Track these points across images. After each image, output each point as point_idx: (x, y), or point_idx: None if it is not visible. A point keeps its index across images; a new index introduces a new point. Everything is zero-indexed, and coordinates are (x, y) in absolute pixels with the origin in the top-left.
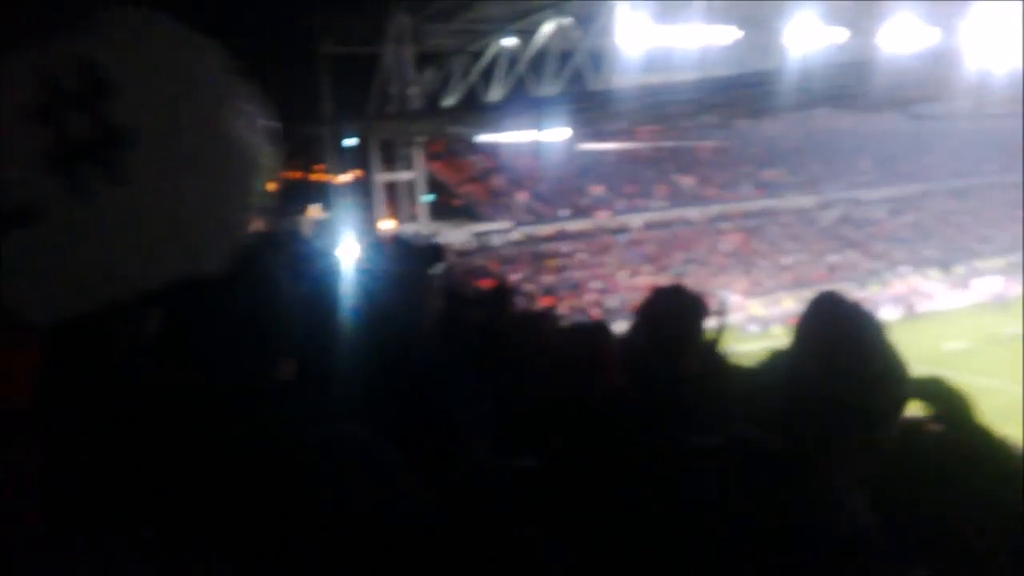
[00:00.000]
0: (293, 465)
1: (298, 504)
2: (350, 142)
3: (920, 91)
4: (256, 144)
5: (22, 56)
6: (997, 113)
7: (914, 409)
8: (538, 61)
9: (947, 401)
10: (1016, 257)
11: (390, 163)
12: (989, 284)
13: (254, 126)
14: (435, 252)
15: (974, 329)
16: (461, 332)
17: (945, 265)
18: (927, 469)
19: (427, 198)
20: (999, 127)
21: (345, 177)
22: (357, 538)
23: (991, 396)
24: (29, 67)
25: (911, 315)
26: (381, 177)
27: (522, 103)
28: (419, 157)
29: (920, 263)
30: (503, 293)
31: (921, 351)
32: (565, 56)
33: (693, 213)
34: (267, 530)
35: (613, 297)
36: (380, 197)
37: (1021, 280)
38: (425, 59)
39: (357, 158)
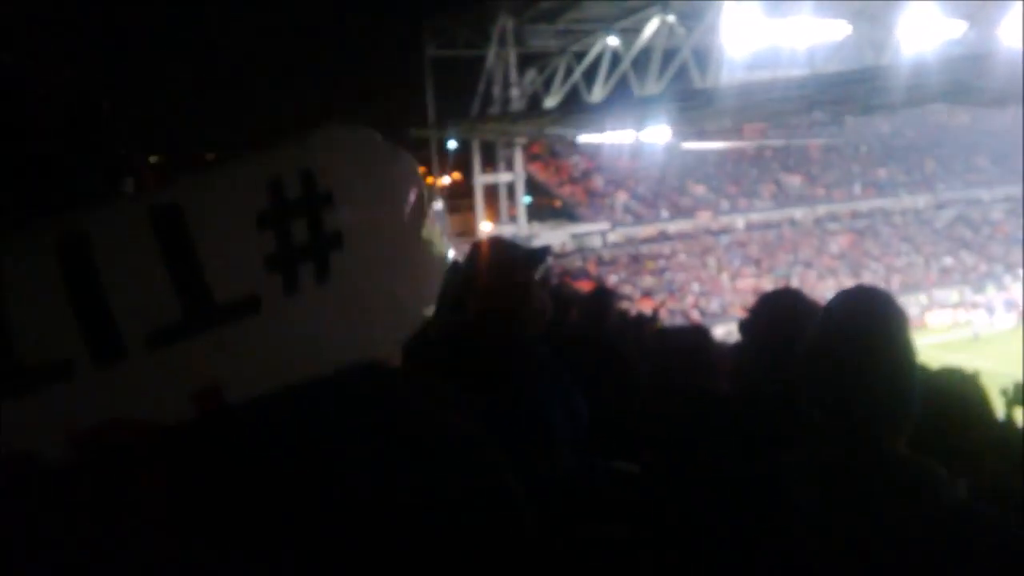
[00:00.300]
0: None
1: None
2: (452, 144)
3: None
4: (440, 245)
5: (253, 165)
6: None
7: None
8: (642, 60)
9: (958, 393)
10: None
11: (491, 165)
12: None
13: (439, 228)
14: (541, 255)
15: None
16: (563, 334)
17: None
18: None
19: (526, 199)
20: None
21: (447, 179)
22: None
23: None
24: (259, 176)
25: None
26: (482, 179)
27: (624, 103)
28: (519, 159)
29: None
30: (605, 295)
31: None
32: (669, 54)
33: (799, 213)
34: None
35: (714, 300)
36: (480, 199)
37: None
38: (527, 60)
39: (459, 160)
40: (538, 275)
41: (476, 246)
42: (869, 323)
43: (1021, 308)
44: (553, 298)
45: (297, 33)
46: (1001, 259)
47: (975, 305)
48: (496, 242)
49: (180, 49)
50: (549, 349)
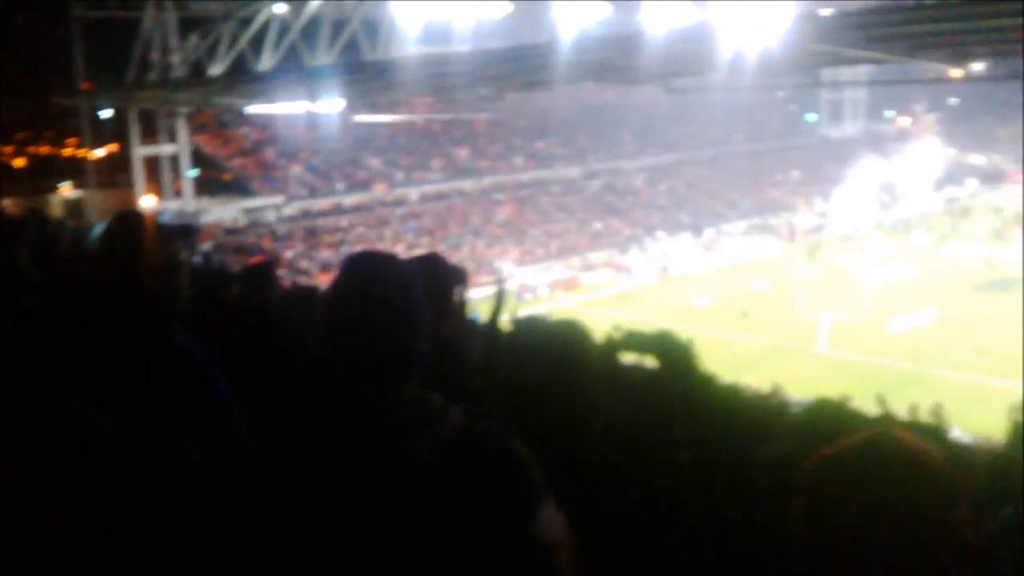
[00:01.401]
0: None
1: None
2: (106, 114)
3: (676, 65)
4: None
5: None
6: (744, 86)
7: (648, 361)
8: (311, 29)
9: (673, 353)
10: (757, 220)
11: (152, 136)
12: (734, 245)
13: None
14: (184, 231)
15: (720, 287)
16: (223, 309)
17: (697, 229)
18: (649, 409)
19: (192, 173)
20: (745, 99)
21: (101, 151)
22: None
23: (731, 347)
24: None
25: (667, 276)
26: (141, 151)
27: (294, 73)
28: (183, 129)
29: (675, 228)
30: (264, 269)
31: (675, 308)
32: (339, 25)
33: (468, 185)
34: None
35: None
36: (140, 172)
37: (761, 241)
38: (189, 25)
39: (115, 131)
40: (181, 252)
41: (113, 220)
42: (372, 284)
43: (659, 267)
44: (217, 274)
45: None
46: (642, 223)
47: (621, 266)
48: (131, 216)
49: None
50: (191, 328)
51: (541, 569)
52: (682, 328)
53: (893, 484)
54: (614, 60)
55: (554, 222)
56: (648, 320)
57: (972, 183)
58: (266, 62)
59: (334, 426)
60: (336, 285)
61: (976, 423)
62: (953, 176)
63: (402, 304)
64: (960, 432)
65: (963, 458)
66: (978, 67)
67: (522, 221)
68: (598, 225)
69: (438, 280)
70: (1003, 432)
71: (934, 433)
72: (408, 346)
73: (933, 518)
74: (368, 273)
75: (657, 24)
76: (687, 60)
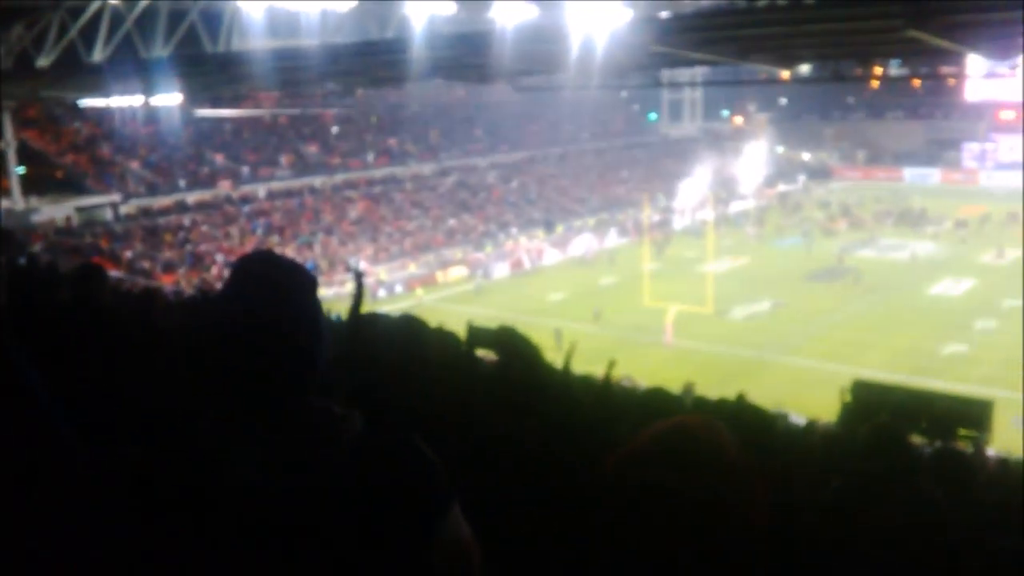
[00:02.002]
0: None
1: None
2: None
3: (525, 64)
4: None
5: None
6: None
7: (490, 355)
8: (147, 21)
9: (517, 347)
10: (605, 216)
11: None
12: (583, 241)
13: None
14: None
15: (572, 282)
16: (49, 313)
17: (549, 226)
18: (495, 400)
19: (18, 170)
20: (591, 99)
21: None
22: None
23: (585, 339)
24: None
25: (521, 272)
26: None
27: (129, 65)
28: (8, 124)
29: (527, 224)
30: (91, 271)
31: (529, 303)
32: (176, 17)
33: (318, 181)
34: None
35: None
36: None
37: (608, 236)
38: (12, 14)
39: None
40: None
41: None
42: (268, 290)
43: (512, 261)
44: (45, 276)
45: None
46: (496, 220)
47: (476, 262)
48: None
49: None
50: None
51: (452, 569)
52: (538, 322)
53: (685, 474)
54: (464, 58)
55: (408, 219)
56: (504, 316)
57: (801, 179)
58: (99, 54)
59: (228, 433)
60: (232, 287)
61: (811, 405)
62: (784, 173)
63: (303, 308)
64: (796, 414)
65: (798, 438)
66: (805, 69)
67: (375, 218)
68: (452, 222)
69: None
70: (834, 413)
71: (762, 416)
72: (309, 351)
73: (726, 504)
74: (265, 275)
75: (506, 23)
76: (535, 59)
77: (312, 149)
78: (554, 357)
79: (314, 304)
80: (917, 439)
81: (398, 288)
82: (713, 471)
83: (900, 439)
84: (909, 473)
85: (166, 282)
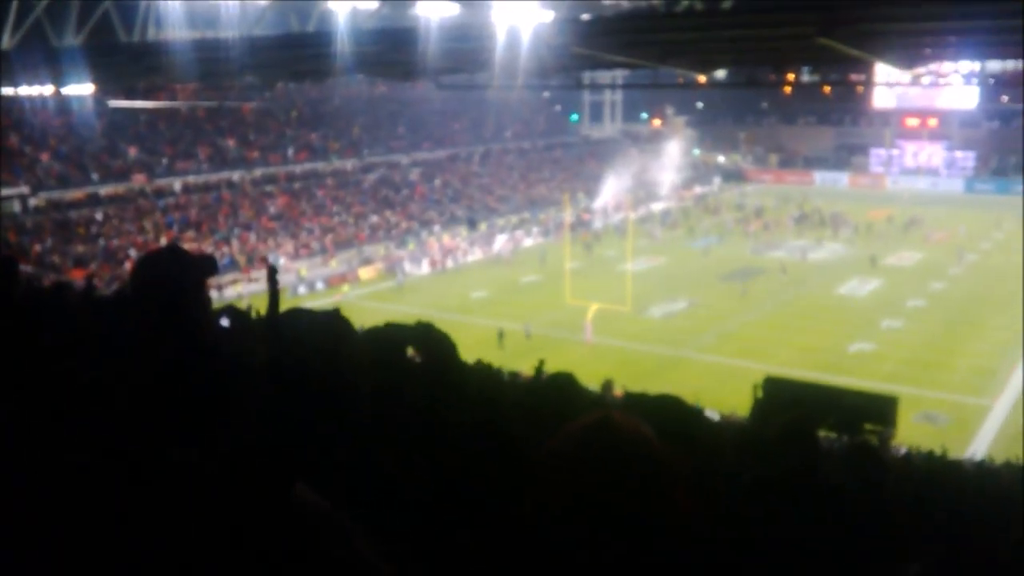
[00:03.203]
0: None
1: None
2: None
3: (448, 62)
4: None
5: None
6: (510, 85)
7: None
8: (58, 8)
9: (435, 344)
10: (527, 215)
11: None
12: (506, 239)
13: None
14: None
15: (494, 280)
16: None
17: (471, 223)
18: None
19: None
20: (514, 99)
21: None
22: None
23: (505, 336)
24: None
25: (444, 269)
26: None
27: (38, 54)
28: None
29: (450, 222)
30: (6, 263)
31: (453, 301)
32: (89, 5)
33: (236, 176)
34: None
35: None
36: None
37: (530, 235)
38: None
39: None
40: None
41: None
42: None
43: (434, 259)
44: None
45: None
46: (418, 216)
47: (398, 259)
48: None
49: None
50: None
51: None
52: (461, 320)
53: (611, 470)
54: (388, 54)
55: (330, 215)
56: (427, 313)
57: (717, 181)
58: (7, 41)
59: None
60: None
61: (724, 400)
62: (700, 175)
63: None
64: (710, 410)
65: (713, 433)
66: (721, 74)
67: (295, 213)
68: (374, 219)
69: (183, 272)
70: (746, 408)
71: (685, 410)
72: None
73: (652, 500)
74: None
75: (430, 20)
76: (459, 58)
77: (230, 143)
78: (496, 356)
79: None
80: (826, 433)
81: (319, 285)
82: (641, 467)
83: (809, 434)
84: (817, 467)
85: (76, 277)
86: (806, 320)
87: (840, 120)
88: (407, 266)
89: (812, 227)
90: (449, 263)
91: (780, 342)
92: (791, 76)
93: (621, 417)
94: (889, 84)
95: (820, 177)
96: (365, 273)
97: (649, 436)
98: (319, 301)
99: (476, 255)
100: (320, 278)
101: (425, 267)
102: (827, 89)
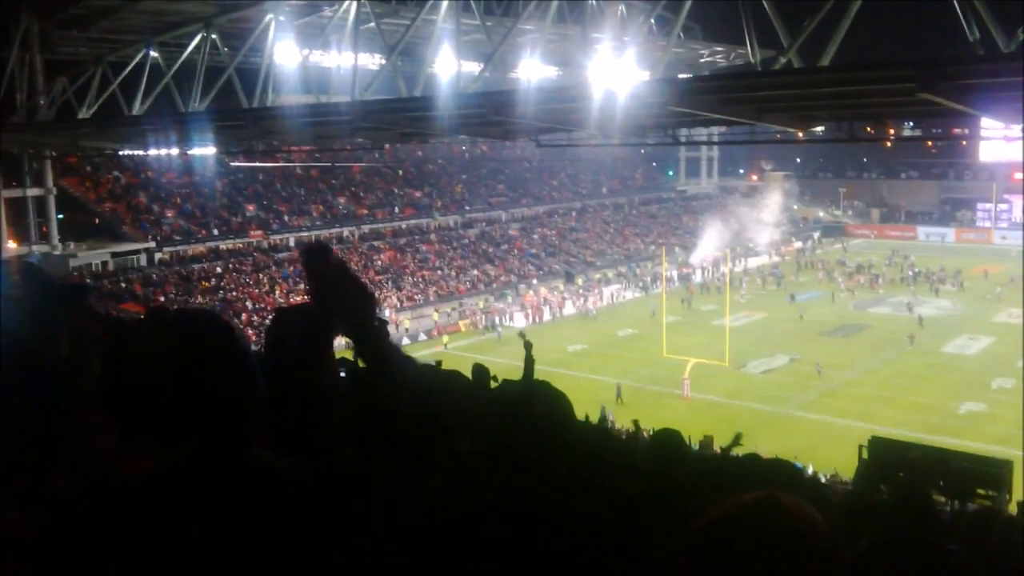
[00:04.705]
0: None
1: None
2: None
3: (546, 122)
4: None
5: None
6: (607, 143)
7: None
8: (185, 76)
9: (552, 400)
10: (623, 269)
11: (16, 178)
12: (603, 293)
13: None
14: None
15: (592, 332)
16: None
17: (568, 277)
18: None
19: (58, 216)
20: (610, 155)
21: None
22: None
23: (604, 388)
24: None
25: (541, 322)
26: (5, 193)
27: (167, 118)
28: (49, 172)
29: (547, 276)
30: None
31: (550, 354)
32: (214, 72)
33: (347, 231)
34: None
35: (269, 317)
36: (2, 215)
37: (627, 289)
38: (56, 67)
39: None
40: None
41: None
42: (189, 347)
43: (532, 311)
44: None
45: None
46: (516, 270)
47: (497, 311)
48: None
49: None
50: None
51: None
52: (560, 372)
53: (778, 550)
54: (487, 115)
55: (432, 269)
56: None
57: (816, 236)
58: (138, 107)
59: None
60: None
61: (826, 460)
62: (799, 230)
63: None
64: (812, 468)
65: (823, 496)
66: (819, 129)
67: (400, 267)
68: (475, 272)
69: (320, 326)
70: (851, 469)
71: (789, 469)
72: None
73: None
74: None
75: (529, 82)
76: (556, 117)
77: (341, 200)
78: (617, 412)
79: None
80: (935, 498)
81: (422, 336)
82: (806, 550)
83: (925, 498)
84: (936, 533)
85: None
86: (912, 378)
87: (944, 174)
88: (505, 318)
89: (916, 283)
90: (547, 316)
91: (884, 401)
92: (892, 130)
93: (788, 498)
94: (996, 138)
95: (924, 232)
96: (465, 324)
97: (818, 519)
98: (420, 352)
99: (573, 308)
100: (422, 329)
101: (522, 319)
102: (930, 143)
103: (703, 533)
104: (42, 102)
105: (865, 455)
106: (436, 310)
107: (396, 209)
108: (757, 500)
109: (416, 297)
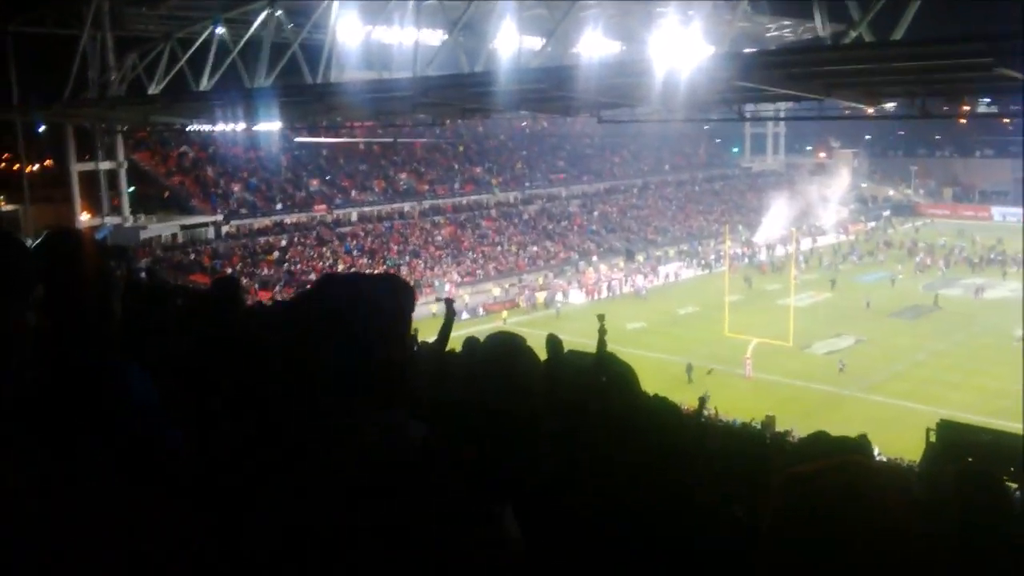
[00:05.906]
0: None
1: None
2: (43, 129)
3: (608, 97)
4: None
5: None
6: (670, 119)
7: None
8: (251, 52)
9: (618, 373)
10: (685, 247)
11: (88, 152)
12: (664, 271)
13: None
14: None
15: (652, 310)
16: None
17: (628, 254)
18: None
19: (129, 189)
20: (673, 131)
21: (36, 166)
22: None
23: (664, 367)
24: None
25: (600, 299)
26: (78, 167)
27: (233, 94)
28: (120, 146)
29: (607, 253)
30: (232, 284)
31: (609, 332)
32: (279, 48)
33: (408, 207)
34: None
35: None
36: (77, 188)
37: (689, 266)
38: (127, 44)
39: (51, 146)
40: (116, 271)
41: (47, 236)
42: (346, 304)
43: (590, 288)
44: (156, 292)
45: None
46: (576, 247)
47: (557, 287)
48: (66, 233)
49: None
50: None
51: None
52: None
53: (862, 503)
54: (550, 91)
55: (492, 244)
56: (585, 342)
57: (886, 215)
58: (205, 82)
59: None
60: (310, 303)
61: (891, 443)
62: (868, 209)
63: (377, 324)
64: (878, 452)
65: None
66: (890, 105)
67: (461, 243)
68: (534, 248)
69: (400, 303)
70: (916, 452)
71: (862, 444)
72: (378, 363)
73: (893, 548)
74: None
75: (591, 57)
76: (619, 93)
77: (402, 176)
78: (684, 392)
79: (386, 318)
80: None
81: (480, 311)
82: (887, 509)
83: (995, 484)
84: (1008, 521)
85: (263, 298)
86: (981, 362)
87: (1021, 152)
88: (564, 295)
89: (989, 264)
90: (607, 293)
91: (952, 384)
92: (967, 107)
93: (874, 463)
94: None
95: (998, 212)
96: (525, 300)
97: (899, 481)
98: (479, 327)
99: (633, 286)
100: (480, 304)
101: (581, 296)
102: (1007, 120)
103: (784, 487)
104: (113, 78)
105: (933, 438)
106: (495, 285)
107: (456, 185)
108: (842, 460)
109: (476, 272)
